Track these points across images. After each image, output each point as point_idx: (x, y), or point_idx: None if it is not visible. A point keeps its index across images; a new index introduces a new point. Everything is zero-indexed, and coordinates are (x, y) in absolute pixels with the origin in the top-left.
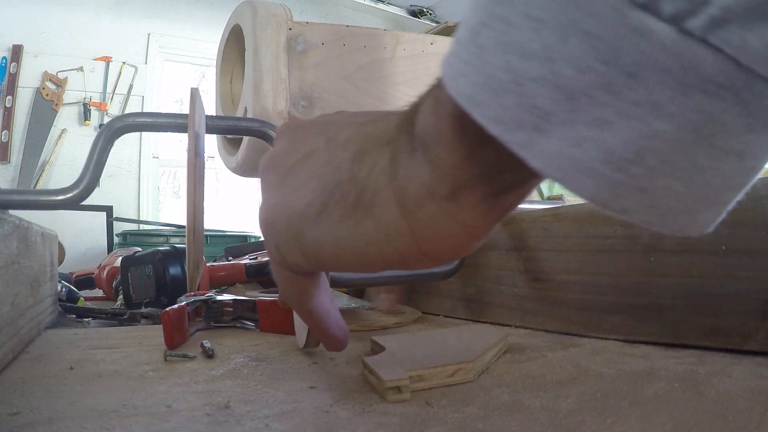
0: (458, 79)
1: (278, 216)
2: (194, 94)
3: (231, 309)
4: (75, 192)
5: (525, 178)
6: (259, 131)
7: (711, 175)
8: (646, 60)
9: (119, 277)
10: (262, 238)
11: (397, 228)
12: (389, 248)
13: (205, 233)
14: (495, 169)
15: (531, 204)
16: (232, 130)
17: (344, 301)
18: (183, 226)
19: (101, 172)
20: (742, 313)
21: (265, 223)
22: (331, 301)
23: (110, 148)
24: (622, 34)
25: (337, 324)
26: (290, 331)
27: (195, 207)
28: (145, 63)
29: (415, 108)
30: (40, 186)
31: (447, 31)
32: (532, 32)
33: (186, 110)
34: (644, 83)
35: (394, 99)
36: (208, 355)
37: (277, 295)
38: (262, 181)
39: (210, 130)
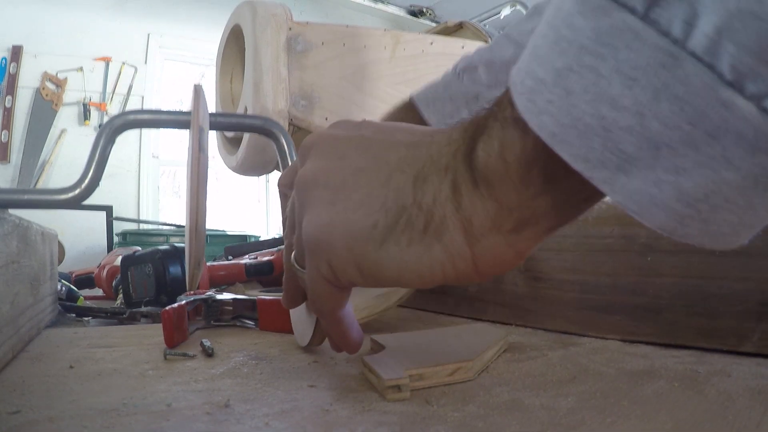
0: (542, 116)
1: (336, 236)
2: (198, 90)
3: (231, 308)
4: (77, 191)
5: (581, 211)
6: (262, 128)
7: (760, 209)
8: (726, 126)
9: (119, 276)
10: (310, 252)
11: (461, 253)
12: (451, 270)
13: (206, 233)
14: (556, 208)
15: None
16: (235, 126)
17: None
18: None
19: (103, 171)
20: (738, 314)
21: (318, 241)
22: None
23: (112, 146)
24: (710, 104)
25: (356, 328)
26: (290, 329)
27: (197, 204)
28: (145, 63)
29: (471, 136)
30: (39, 186)
31: (446, 31)
32: (623, 88)
33: (186, 109)
34: (721, 143)
35: (394, 99)
36: (208, 353)
37: (277, 294)
38: (307, 197)
39: (213, 126)
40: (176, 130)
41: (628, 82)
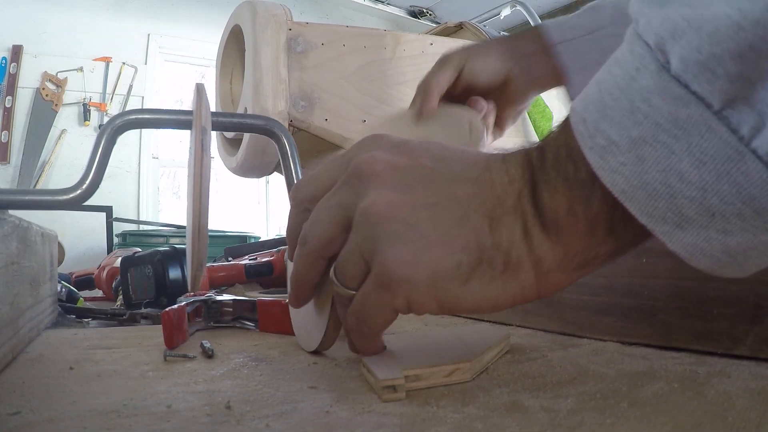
0: (614, 175)
1: (421, 275)
2: (200, 90)
3: (231, 309)
4: (78, 192)
5: (634, 249)
6: (264, 128)
7: None
8: None
9: (119, 277)
10: (384, 286)
11: (530, 286)
12: (520, 299)
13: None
14: (615, 250)
15: None
16: (236, 126)
17: None
18: (183, 227)
19: (104, 171)
20: (731, 317)
21: (400, 278)
22: None
23: (113, 146)
24: (762, 193)
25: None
26: (290, 331)
27: (200, 205)
28: (145, 63)
29: (531, 178)
30: (39, 186)
31: (446, 31)
32: (692, 167)
33: (187, 109)
34: (764, 218)
35: (394, 99)
36: (208, 355)
37: (277, 295)
38: (380, 232)
39: (214, 126)
40: (176, 130)
41: (697, 163)
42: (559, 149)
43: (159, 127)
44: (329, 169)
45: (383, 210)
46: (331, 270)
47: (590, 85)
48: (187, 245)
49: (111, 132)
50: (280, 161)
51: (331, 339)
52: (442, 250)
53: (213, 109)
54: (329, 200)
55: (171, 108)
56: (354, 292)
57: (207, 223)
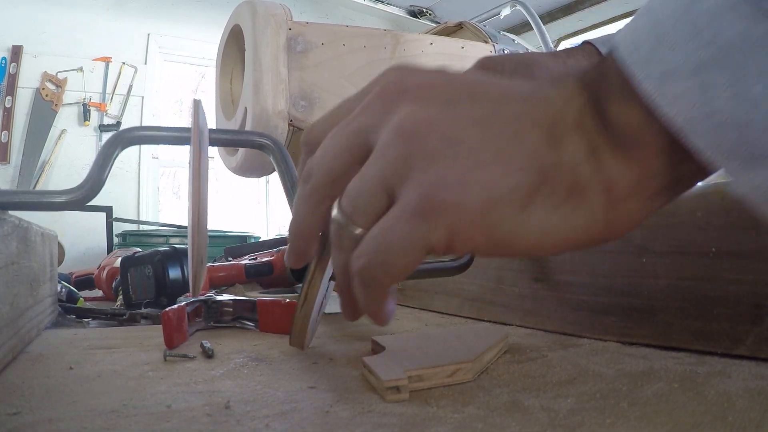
0: (675, 104)
1: (471, 198)
2: (197, 106)
3: (231, 309)
4: (79, 193)
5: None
6: (257, 142)
7: None
8: None
9: (119, 277)
10: (421, 214)
11: (599, 218)
12: (585, 235)
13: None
14: (692, 177)
15: None
16: (231, 142)
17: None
18: (183, 227)
19: (105, 178)
20: (732, 316)
21: (444, 203)
22: None
23: (116, 156)
24: None
25: (393, 300)
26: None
27: (198, 225)
28: (145, 63)
29: (594, 95)
30: (39, 186)
31: (446, 31)
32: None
33: (186, 109)
34: None
35: None
36: (208, 355)
37: (277, 295)
38: (418, 150)
39: (211, 143)
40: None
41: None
42: (609, 76)
43: (162, 143)
44: (348, 101)
45: (421, 125)
46: (334, 205)
47: (635, 18)
48: (188, 251)
49: (116, 144)
50: (278, 173)
51: (300, 332)
52: (495, 170)
53: (213, 108)
54: (344, 127)
55: (171, 108)
56: (361, 230)
57: (206, 226)
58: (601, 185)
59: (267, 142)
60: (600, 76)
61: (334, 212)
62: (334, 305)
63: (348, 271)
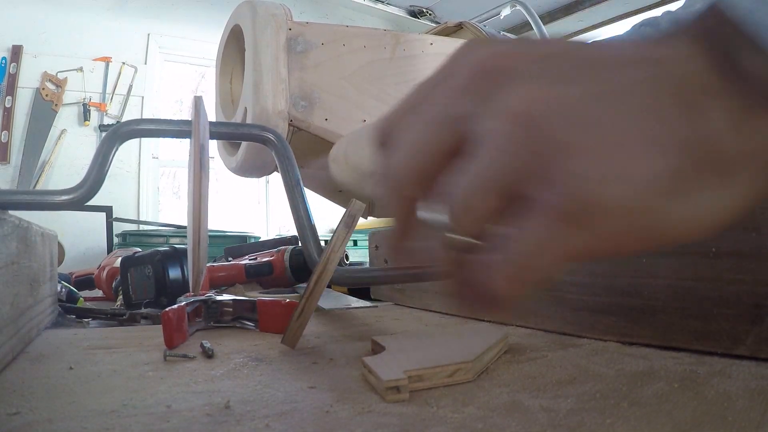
0: None
1: (618, 194)
2: (198, 103)
3: (231, 309)
4: (79, 192)
5: None
6: (259, 136)
7: None
8: None
9: (119, 277)
10: (568, 216)
11: (746, 192)
12: (737, 212)
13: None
14: None
15: None
16: (232, 135)
17: (348, 300)
18: (183, 227)
19: (105, 174)
20: (731, 317)
21: (589, 204)
22: None
23: (115, 152)
24: None
25: None
26: None
27: (199, 225)
28: (145, 63)
29: (719, 44)
30: (39, 186)
31: (446, 31)
32: None
33: (186, 108)
34: None
35: (394, 99)
36: (208, 355)
37: (277, 295)
38: (541, 140)
39: (212, 136)
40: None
41: None
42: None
43: (160, 137)
44: (424, 86)
45: (541, 108)
46: (420, 206)
47: None
48: (188, 252)
49: (114, 139)
50: (278, 168)
51: (294, 336)
52: (639, 155)
53: (213, 108)
54: (429, 116)
55: (171, 108)
56: (476, 242)
57: (206, 238)
58: (749, 155)
59: (269, 136)
60: (718, 26)
61: (426, 214)
62: (331, 301)
63: (465, 281)
